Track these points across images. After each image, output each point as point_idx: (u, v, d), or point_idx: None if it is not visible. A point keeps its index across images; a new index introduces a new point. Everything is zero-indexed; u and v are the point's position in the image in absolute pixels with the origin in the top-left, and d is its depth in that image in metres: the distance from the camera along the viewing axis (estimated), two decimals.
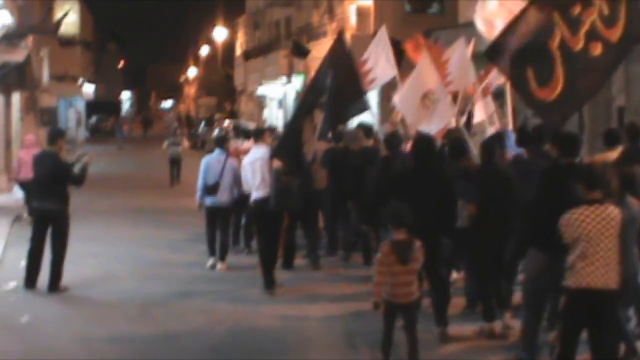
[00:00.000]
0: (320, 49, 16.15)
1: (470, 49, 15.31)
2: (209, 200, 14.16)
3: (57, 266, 12.42)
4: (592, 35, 9.61)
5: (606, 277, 7.32)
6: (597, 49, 9.61)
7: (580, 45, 9.66)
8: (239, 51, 63.87)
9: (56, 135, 12.93)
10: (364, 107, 13.02)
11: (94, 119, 71.90)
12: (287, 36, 47.46)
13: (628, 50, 10.01)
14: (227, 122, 28.00)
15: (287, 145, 12.54)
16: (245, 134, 16.21)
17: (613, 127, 11.29)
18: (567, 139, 8.93)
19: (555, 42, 9.76)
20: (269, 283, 12.38)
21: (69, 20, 41.20)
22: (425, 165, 9.99)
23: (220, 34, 71.86)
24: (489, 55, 10.72)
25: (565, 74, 9.75)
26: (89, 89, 66.46)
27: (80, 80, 59.41)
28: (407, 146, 12.66)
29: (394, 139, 12.83)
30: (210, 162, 14.17)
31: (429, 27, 24.90)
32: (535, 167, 9.60)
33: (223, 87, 76.85)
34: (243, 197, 13.71)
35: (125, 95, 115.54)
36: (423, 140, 10.60)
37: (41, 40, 41.49)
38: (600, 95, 17.75)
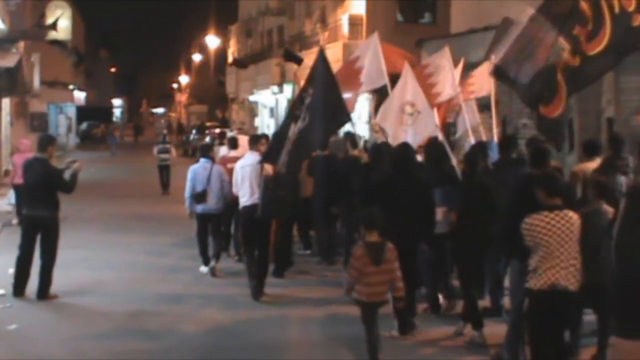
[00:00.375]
0: (312, 58, 16.12)
1: (460, 65, 15.49)
2: (199, 208, 14.36)
3: (47, 273, 12.34)
4: (577, 49, 10.21)
5: (566, 279, 7.61)
6: (576, 61, 10.22)
7: (577, 62, 10.22)
8: (231, 59, 63.90)
9: (46, 141, 12.83)
10: (345, 120, 13.04)
11: (84, 125, 71.69)
12: (280, 45, 47.52)
13: (616, 61, 10.44)
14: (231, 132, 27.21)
15: (277, 151, 12.49)
16: (231, 143, 16.37)
17: (592, 138, 11.46)
18: (537, 151, 9.43)
19: (561, 65, 10.33)
20: (257, 292, 12.43)
21: (61, 26, 41.03)
22: (404, 173, 10.38)
23: (212, 41, 71.90)
24: (495, 74, 11.40)
25: (567, 93, 10.40)
26: (80, 95, 66.35)
27: (72, 86, 59.30)
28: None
29: (375, 148, 13.22)
30: (197, 170, 14.40)
31: (420, 36, 24.97)
32: (505, 176, 10.27)
33: (215, 94, 76.87)
34: (234, 202, 13.75)
35: (117, 102, 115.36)
36: (401, 149, 10.97)
37: (32, 45, 41.45)
38: (591, 106, 17.82)
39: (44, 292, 12.27)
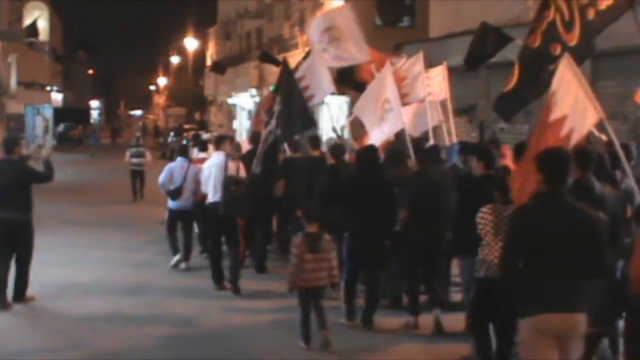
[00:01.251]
0: (291, 61, 16.50)
1: (444, 66, 16.04)
2: (173, 204, 15.15)
3: (23, 276, 12.20)
4: (552, 37, 10.17)
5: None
6: (556, 50, 10.16)
7: (538, 42, 10.26)
8: (209, 62, 63.85)
9: (12, 144, 12.36)
10: (309, 125, 14.18)
11: (62, 126, 71.28)
12: (258, 47, 47.52)
13: (583, 56, 10.40)
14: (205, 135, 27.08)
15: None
16: (200, 145, 17.18)
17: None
18: (486, 154, 10.22)
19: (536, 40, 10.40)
20: (220, 279, 13.27)
21: (39, 27, 40.93)
22: (368, 173, 11.02)
23: (191, 44, 71.80)
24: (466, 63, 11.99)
25: (520, 68, 10.41)
26: (57, 96, 66.10)
27: (49, 87, 59.08)
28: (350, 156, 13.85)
29: (338, 149, 13.84)
30: (174, 167, 15.18)
31: (399, 40, 25.06)
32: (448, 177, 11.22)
33: (193, 97, 76.77)
34: (202, 200, 14.24)
35: (95, 104, 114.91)
36: (367, 151, 11.61)
37: (9, 46, 41.29)
38: None
39: (20, 294, 12.14)
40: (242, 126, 51.44)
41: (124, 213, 23.50)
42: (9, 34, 38.40)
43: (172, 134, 55.35)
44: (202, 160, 14.99)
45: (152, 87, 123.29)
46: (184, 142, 26.04)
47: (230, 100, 53.15)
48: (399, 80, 14.90)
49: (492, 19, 14.27)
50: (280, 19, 43.81)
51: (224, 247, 13.70)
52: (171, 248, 15.11)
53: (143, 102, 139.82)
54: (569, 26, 10.09)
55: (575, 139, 8.98)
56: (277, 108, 13.92)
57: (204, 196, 13.83)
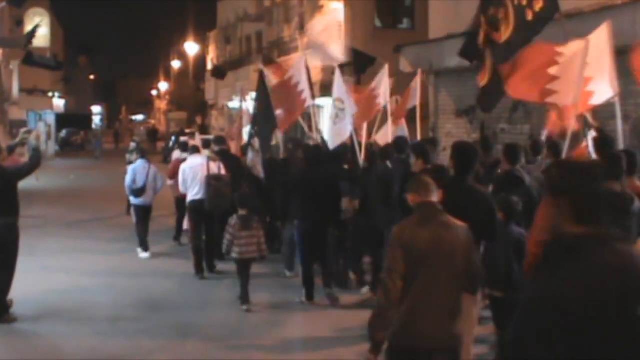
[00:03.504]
0: (290, 64, 17.11)
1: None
2: (137, 201, 16.90)
3: (3, 292, 11.52)
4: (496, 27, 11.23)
5: None
6: (499, 37, 11.19)
7: (505, 37, 11.10)
8: (210, 66, 63.82)
9: None
10: (274, 126, 16.15)
11: (64, 132, 71.39)
12: (259, 51, 47.51)
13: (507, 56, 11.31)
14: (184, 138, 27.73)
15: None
16: (182, 147, 19.38)
17: (514, 144, 12.07)
18: (422, 152, 11.64)
19: (481, 38, 11.39)
20: (201, 268, 14.63)
21: (40, 33, 40.91)
22: (314, 169, 12.76)
23: (191, 48, 71.79)
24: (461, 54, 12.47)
25: (492, 64, 11.24)
26: (59, 102, 66.15)
27: (51, 93, 59.12)
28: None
29: (292, 146, 16.11)
30: (137, 169, 16.86)
31: (399, 42, 25.05)
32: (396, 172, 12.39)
33: (194, 101, 76.79)
34: (182, 198, 15.78)
35: (96, 109, 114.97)
36: (314, 150, 13.67)
37: (11, 53, 41.35)
38: None
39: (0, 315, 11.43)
40: (243, 130, 51.40)
41: (124, 219, 23.49)
42: (10, 40, 38.43)
43: (173, 138, 55.33)
44: (183, 161, 16.22)
45: (154, 92, 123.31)
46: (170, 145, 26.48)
47: (231, 104, 53.13)
48: (372, 100, 16.81)
49: None
50: (280, 22, 43.79)
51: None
52: (139, 239, 16.74)
53: (144, 107, 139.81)
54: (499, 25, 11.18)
55: (596, 100, 11.06)
56: (254, 113, 16.44)
57: (183, 194, 15.39)
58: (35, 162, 12.12)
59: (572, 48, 10.74)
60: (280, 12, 44.57)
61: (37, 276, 13.39)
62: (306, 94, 15.98)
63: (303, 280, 12.70)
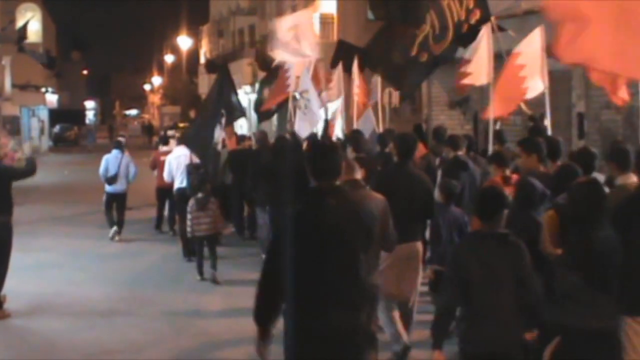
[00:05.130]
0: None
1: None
2: (109, 188, 18.04)
3: (1, 277, 11.54)
4: (424, 46, 13.21)
5: None
6: (424, 57, 13.33)
7: (414, 52, 13.36)
8: (203, 60, 63.73)
9: None
10: (241, 114, 17.69)
11: (57, 128, 71.21)
12: (251, 44, 47.47)
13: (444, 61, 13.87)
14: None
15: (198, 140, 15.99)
16: (163, 140, 20.80)
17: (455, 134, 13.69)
18: (353, 141, 13.12)
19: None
20: (189, 252, 15.27)
21: (32, 28, 40.90)
22: (281, 158, 13.63)
23: (184, 42, 71.68)
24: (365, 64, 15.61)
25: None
26: (52, 97, 66.02)
27: (44, 89, 59.00)
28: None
29: (261, 137, 17.31)
30: (109, 159, 18.10)
31: None
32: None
33: (187, 95, 76.66)
34: (167, 187, 16.90)
35: (90, 104, 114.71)
36: (279, 141, 15.23)
37: (3, 48, 41.26)
38: (561, 101, 17.99)
39: None
40: (236, 123, 51.31)
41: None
42: (2, 36, 38.38)
43: (162, 133, 55.18)
44: (165, 153, 17.77)
45: (147, 87, 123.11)
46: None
47: None
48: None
49: None
50: (273, 16, 43.71)
51: None
52: (108, 223, 18.06)
53: (138, 102, 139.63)
54: (438, 38, 12.99)
55: (530, 94, 12.59)
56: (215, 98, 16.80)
57: (165, 182, 16.78)
58: (31, 169, 12.02)
59: (481, 35, 12.60)
60: (272, 5, 44.57)
61: (30, 272, 13.36)
62: (291, 80, 17.60)
63: None
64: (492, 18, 12.72)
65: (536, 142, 9.72)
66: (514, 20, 16.40)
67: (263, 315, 5.59)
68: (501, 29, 13.33)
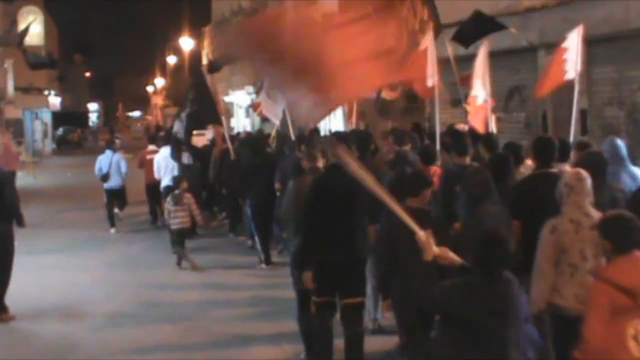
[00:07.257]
0: None
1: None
2: (106, 185, 19.44)
3: (5, 281, 11.56)
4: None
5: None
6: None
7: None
8: (205, 61, 63.70)
9: None
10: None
11: (60, 130, 71.23)
12: None
13: None
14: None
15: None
16: (150, 139, 22.37)
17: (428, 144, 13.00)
18: (301, 139, 14.94)
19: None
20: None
21: (34, 31, 40.84)
22: (259, 155, 15.24)
23: (186, 43, 71.66)
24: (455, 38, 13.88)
25: None
26: (55, 100, 66.01)
27: (47, 91, 58.99)
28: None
29: (243, 137, 19.21)
30: (102, 159, 19.52)
31: None
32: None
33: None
34: (157, 184, 18.15)
35: (93, 107, 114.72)
36: (255, 139, 16.94)
37: (5, 51, 41.27)
38: (563, 98, 17.93)
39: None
40: (239, 124, 51.37)
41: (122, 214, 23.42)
42: (4, 39, 38.36)
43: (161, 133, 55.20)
44: (153, 152, 19.39)
45: (150, 88, 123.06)
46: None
47: (227, 99, 53.03)
48: None
49: (484, 8, 14.32)
50: None
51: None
52: (108, 218, 19.39)
53: (141, 103, 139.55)
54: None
55: (479, 101, 14.03)
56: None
57: (154, 179, 18.21)
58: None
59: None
60: (274, 5, 44.45)
61: (34, 274, 13.34)
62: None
63: (262, 248, 14.85)
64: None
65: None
66: (516, 17, 16.32)
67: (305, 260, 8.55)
68: (500, 28, 13.33)
